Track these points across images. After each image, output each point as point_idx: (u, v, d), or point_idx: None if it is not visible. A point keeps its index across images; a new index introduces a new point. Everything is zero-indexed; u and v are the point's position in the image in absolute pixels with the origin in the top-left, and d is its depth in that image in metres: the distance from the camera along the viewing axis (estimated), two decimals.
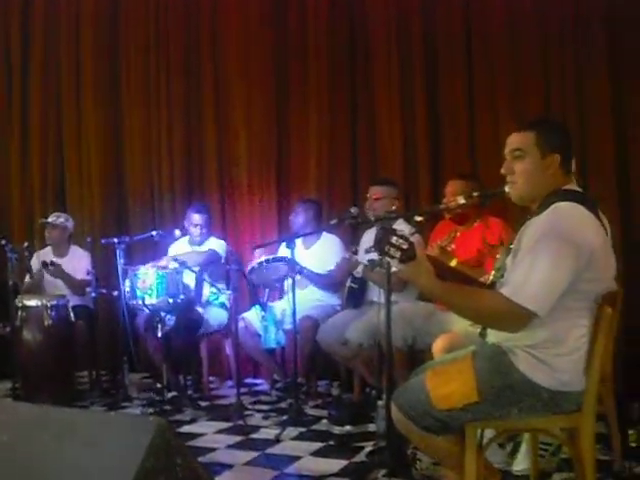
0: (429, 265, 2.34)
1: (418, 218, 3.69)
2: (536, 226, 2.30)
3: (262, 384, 5.48)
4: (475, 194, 3.26)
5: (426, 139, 5.34)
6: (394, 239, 2.28)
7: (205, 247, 5.28)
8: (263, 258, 4.74)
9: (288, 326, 4.81)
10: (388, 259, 2.30)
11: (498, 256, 2.92)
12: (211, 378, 5.41)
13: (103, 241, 4.87)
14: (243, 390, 4.95)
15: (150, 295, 4.49)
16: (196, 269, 4.75)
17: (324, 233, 5.06)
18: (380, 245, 2.29)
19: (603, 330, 2.31)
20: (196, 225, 5.26)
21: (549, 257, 2.20)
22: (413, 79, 5.37)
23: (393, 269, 2.40)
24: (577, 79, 4.88)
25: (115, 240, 4.75)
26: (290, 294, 4.62)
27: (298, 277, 4.67)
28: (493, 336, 2.48)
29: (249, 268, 4.64)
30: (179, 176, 6.15)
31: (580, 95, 4.87)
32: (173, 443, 2.26)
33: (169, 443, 2.23)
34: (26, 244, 4.87)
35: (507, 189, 2.60)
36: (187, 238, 5.30)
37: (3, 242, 4.67)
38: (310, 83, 5.70)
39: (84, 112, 6.48)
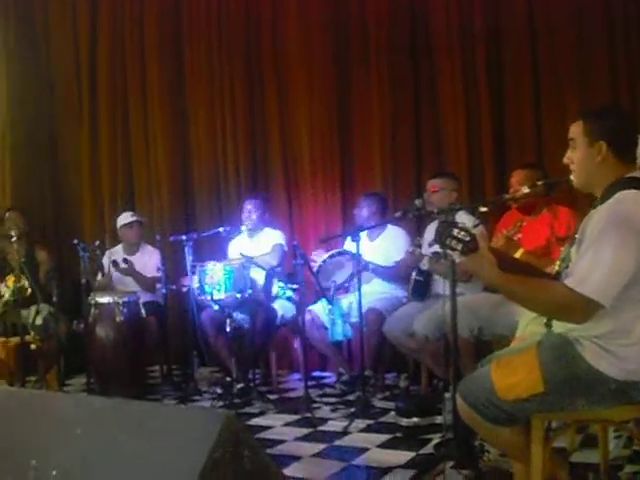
0: (491, 257, 2.33)
1: (482, 209, 3.65)
2: (599, 216, 2.26)
3: (330, 377, 5.52)
4: (539, 183, 3.23)
5: (491, 131, 5.30)
6: (455, 231, 2.28)
7: (261, 238, 5.35)
8: (326, 255, 4.77)
9: (355, 319, 4.83)
10: (450, 252, 2.30)
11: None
12: (279, 371, 5.47)
13: (172, 238, 4.98)
14: (311, 383, 5.02)
15: (219, 290, 4.57)
16: (266, 266, 4.81)
17: (389, 226, 5.06)
18: (441, 238, 2.29)
19: None
20: (248, 211, 5.33)
21: (612, 247, 2.17)
22: (476, 72, 5.34)
23: (457, 261, 2.38)
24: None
25: (183, 237, 4.85)
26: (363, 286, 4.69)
27: (364, 274, 4.70)
28: (559, 326, 2.45)
29: (315, 270, 4.66)
30: (245, 173, 6.24)
31: None
32: (241, 435, 2.31)
33: (237, 435, 2.28)
34: (97, 242, 5.02)
35: (572, 178, 2.64)
36: (246, 232, 5.37)
37: (75, 241, 4.82)
38: (372, 77, 5.70)
39: (150, 114, 6.65)
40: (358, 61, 5.79)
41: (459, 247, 2.29)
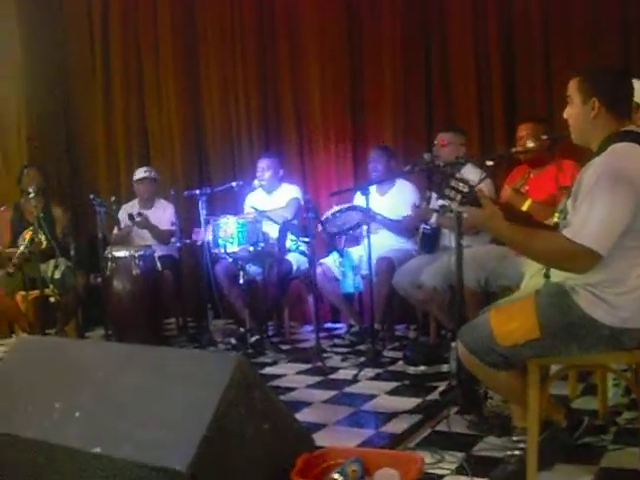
0: (495, 209, 2.42)
1: (489, 162, 3.72)
2: (594, 168, 2.35)
3: (341, 328, 5.64)
4: (544, 137, 3.30)
5: (501, 86, 5.30)
6: (453, 182, 2.37)
7: (278, 194, 5.44)
8: (336, 208, 4.85)
9: (365, 271, 4.94)
10: (448, 201, 2.40)
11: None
12: (291, 323, 5.61)
13: (186, 193, 5.09)
14: (322, 334, 5.14)
15: (232, 243, 4.68)
16: (279, 220, 4.91)
17: (399, 180, 5.13)
18: (439, 188, 2.38)
19: None
20: (262, 169, 5.42)
21: (607, 197, 2.26)
22: (487, 27, 5.31)
23: (459, 210, 2.47)
24: None
25: (197, 192, 4.95)
26: (366, 240, 4.80)
27: (373, 225, 4.80)
28: (556, 276, 2.55)
29: (323, 218, 4.75)
30: (257, 128, 6.29)
31: None
32: (252, 377, 2.45)
33: (248, 377, 2.42)
34: (113, 198, 5.13)
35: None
36: (261, 188, 5.46)
37: (92, 196, 4.93)
38: (384, 33, 5.69)
39: (163, 72, 6.68)
40: (370, 15, 5.78)
41: (457, 197, 2.39)
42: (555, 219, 2.68)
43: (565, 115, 2.56)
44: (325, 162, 6.03)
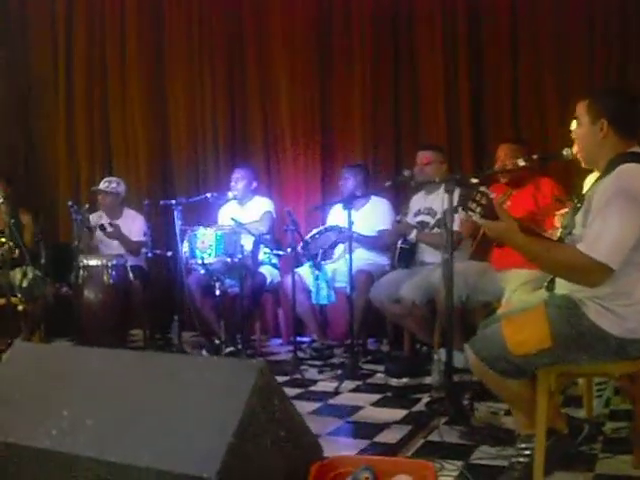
0: (512, 221, 2.50)
1: (474, 180, 3.81)
2: (604, 187, 2.46)
3: (306, 342, 5.62)
4: (535, 156, 3.42)
5: (469, 106, 5.47)
6: (477, 195, 2.45)
7: (251, 206, 5.46)
8: (315, 231, 4.94)
9: (339, 284, 5.01)
10: (471, 213, 2.47)
11: (563, 212, 3.10)
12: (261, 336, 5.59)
13: (162, 202, 5.04)
14: (288, 347, 5.16)
15: (209, 255, 4.66)
16: (255, 232, 4.92)
17: (372, 196, 5.21)
18: (464, 201, 2.46)
19: None
20: (236, 179, 5.43)
21: (618, 215, 2.37)
22: (456, 46, 5.51)
23: (479, 222, 2.53)
24: (622, 48, 4.98)
25: (173, 202, 4.91)
26: (345, 256, 4.87)
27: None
28: (562, 288, 2.65)
29: (302, 243, 4.80)
30: (223, 141, 6.32)
31: (624, 65, 4.97)
32: (272, 384, 2.46)
33: (269, 384, 2.43)
34: (87, 205, 5.03)
35: (565, 152, 2.97)
36: (235, 200, 5.47)
37: (70, 203, 4.83)
38: (354, 50, 5.82)
39: (128, 78, 6.65)
40: (339, 33, 5.90)
41: (477, 210, 2.46)
42: (558, 233, 2.79)
43: (573, 135, 2.68)
44: (294, 178, 6.08)
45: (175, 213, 4.87)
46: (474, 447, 3.14)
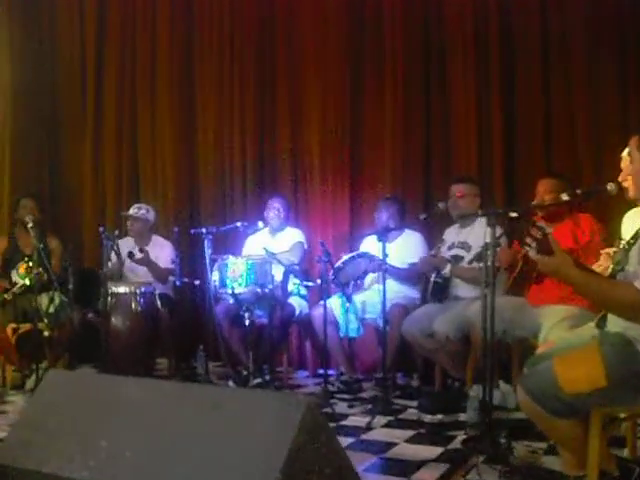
0: (567, 256, 2.45)
1: (513, 214, 3.75)
2: None
3: (332, 375, 5.54)
4: (578, 191, 3.36)
5: (501, 140, 5.40)
6: (533, 230, 2.40)
7: (282, 236, 5.42)
8: (346, 257, 4.88)
9: (369, 315, 4.96)
10: (527, 248, 2.42)
11: (610, 250, 3.03)
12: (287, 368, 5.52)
13: (192, 231, 5.00)
14: (316, 380, 5.08)
15: (240, 284, 4.61)
16: (286, 262, 4.87)
17: (406, 229, 5.16)
18: (522, 236, 2.41)
19: None
20: (276, 209, 5.41)
21: None
22: (489, 78, 5.45)
23: (533, 257, 2.48)
24: None
25: (203, 230, 4.88)
26: (374, 286, 4.82)
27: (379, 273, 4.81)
28: (615, 326, 2.58)
29: (333, 269, 4.75)
30: (251, 168, 6.28)
31: None
32: (319, 420, 2.39)
33: (317, 420, 2.35)
34: (117, 232, 4.99)
35: (609, 187, 2.92)
36: (267, 229, 5.44)
37: (101, 229, 4.80)
38: (385, 80, 5.78)
39: (158, 104, 6.66)
40: (372, 63, 5.88)
41: (533, 245, 2.41)
42: (609, 270, 2.72)
43: (627, 172, 2.65)
44: (321, 209, 6.03)
45: (205, 242, 4.83)
46: None
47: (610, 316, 2.62)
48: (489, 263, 3.58)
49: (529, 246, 2.41)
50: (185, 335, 5.62)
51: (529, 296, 4.19)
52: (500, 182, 5.39)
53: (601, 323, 2.69)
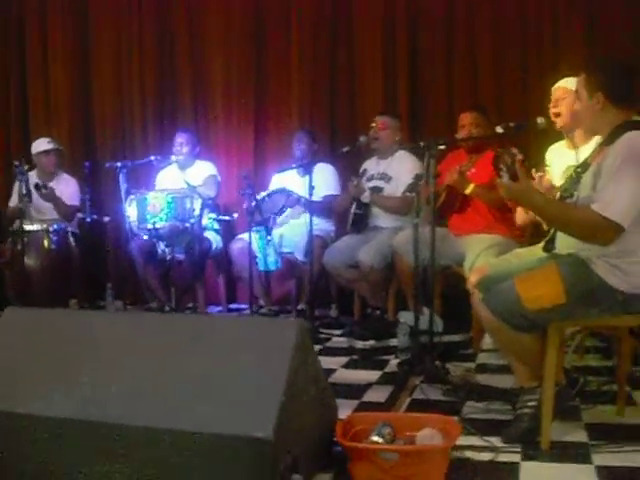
0: (531, 182, 2.61)
1: (441, 147, 3.88)
2: (615, 153, 2.60)
3: (245, 309, 5.60)
4: (511, 124, 3.54)
5: (406, 77, 5.53)
6: (506, 156, 2.55)
7: (193, 170, 5.33)
8: (264, 193, 4.89)
9: (286, 249, 5.01)
10: (501, 173, 2.56)
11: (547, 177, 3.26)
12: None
13: (107, 165, 4.83)
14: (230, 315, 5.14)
15: (161, 219, 4.53)
16: (205, 196, 4.82)
17: (318, 162, 5.20)
18: (497, 163, 2.55)
19: None
20: (180, 144, 5.31)
21: (631, 177, 2.53)
22: (394, 15, 5.54)
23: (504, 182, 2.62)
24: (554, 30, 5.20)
25: (118, 164, 4.72)
26: (290, 221, 4.88)
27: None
28: (564, 248, 2.78)
29: (255, 203, 4.75)
30: (151, 104, 6.10)
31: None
32: (308, 342, 2.46)
33: (306, 342, 2.43)
34: (27, 166, 4.71)
35: (539, 121, 3.35)
36: (176, 164, 5.33)
37: (17, 163, 4.51)
38: (292, 17, 5.77)
39: (50, 37, 6.26)
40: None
41: (504, 170, 2.57)
42: (557, 196, 2.92)
43: (575, 107, 2.85)
44: (224, 138, 5.98)
45: (120, 176, 4.68)
46: (460, 403, 3.25)
47: (560, 239, 2.82)
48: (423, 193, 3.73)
49: (502, 171, 2.55)
50: (94, 274, 5.47)
51: (451, 225, 4.38)
52: (405, 117, 5.52)
53: (549, 246, 2.89)
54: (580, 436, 2.83)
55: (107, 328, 2.59)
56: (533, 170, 3.13)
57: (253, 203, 4.66)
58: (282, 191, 4.90)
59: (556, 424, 2.81)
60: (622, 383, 3.04)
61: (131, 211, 4.63)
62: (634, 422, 2.94)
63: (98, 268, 5.37)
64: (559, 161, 3.67)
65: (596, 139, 3.06)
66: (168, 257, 4.66)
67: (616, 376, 3.11)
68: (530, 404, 2.81)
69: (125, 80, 6.15)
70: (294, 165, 4.93)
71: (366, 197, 4.69)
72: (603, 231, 2.55)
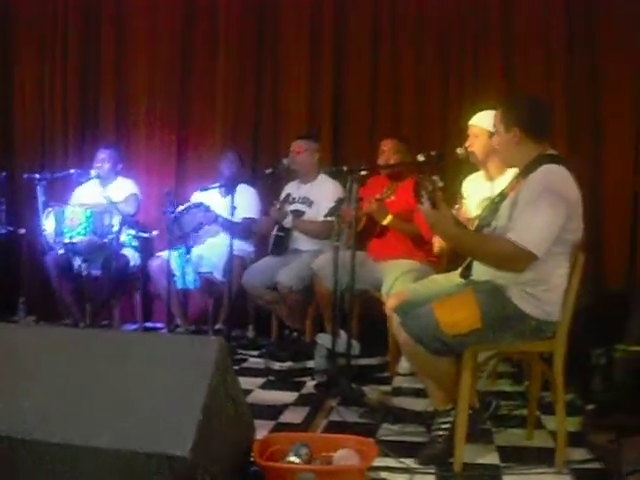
0: (449, 211, 2.71)
1: (363, 172, 3.94)
2: (532, 184, 2.71)
3: (162, 328, 5.52)
4: (433, 153, 3.64)
5: (330, 103, 5.60)
6: (427, 183, 2.62)
7: (114, 187, 5.24)
8: (182, 207, 4.85)
9: (205, 269, 4.98)
10: (422, 199, 2.64)
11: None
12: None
13: (25, 176, 4.70)
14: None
15: (78, 233, 4.44)
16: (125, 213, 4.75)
17: (240, 184, 5.20)
18: (419, 190, 2.62)
19: (577, 272, 2.78)
20: (101, 160, 5.23)
21: (546, 208, 2.64)
22: (322, 37, 5.61)
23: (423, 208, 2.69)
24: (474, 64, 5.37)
25: (37, 176, 4.61)
26: (208, 240, 4.86)
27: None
28: (480, 275, 2.87)
29: (172, 217, 4.70)
30: (73, 116, 5.98)
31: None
32: (228, 361, 2.45)
33: (226, 360, 2.42)
34: None
35: (459, 151, 3.59)
36: (97, 180, 5.23)
37: None
38: (219, 36, 5.78)
39: None
40: (205, 12, 5.82)
41: (425, 197, 2.65)
42: (475, 226, 3.02)
43: (493, 143, 3.00)
44: (145, 155, 5.91)
45: (38, 188, 4.57)
46: (376, 425, 3.29)
47: (475, 267, 2.92)
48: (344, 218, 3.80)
49: (423, 197, 2.63)
50: (6, 287, 5.30)
51: (370, 250, 4.45)
52: (327, 141, 5.58)
53: (465, 273, 2.98)
54: (492, 458, 2.91)
55: (23, 342, 2.52)
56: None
57: (172, 216, 4.60)
58: (199, 205, 4.86)
59: (469, 446, 2.87)
60: (532, 408, 3.14)
61: (48, 224, 4.53)
62: (543, 445, 3.04)
63: (11, 281, 5.21)
64: (476, 192, 3.80)
65: (511, 171, 3.19)
66: (84, 272, 4.57)
67: (527, 401, 3.22)
68: (444, 426, 2.88)
69: (47, 93, 6.01)
70: (217, 184, 4.91)
71: (288, 222, 4.73)
72: (516, 259, 2.65)
